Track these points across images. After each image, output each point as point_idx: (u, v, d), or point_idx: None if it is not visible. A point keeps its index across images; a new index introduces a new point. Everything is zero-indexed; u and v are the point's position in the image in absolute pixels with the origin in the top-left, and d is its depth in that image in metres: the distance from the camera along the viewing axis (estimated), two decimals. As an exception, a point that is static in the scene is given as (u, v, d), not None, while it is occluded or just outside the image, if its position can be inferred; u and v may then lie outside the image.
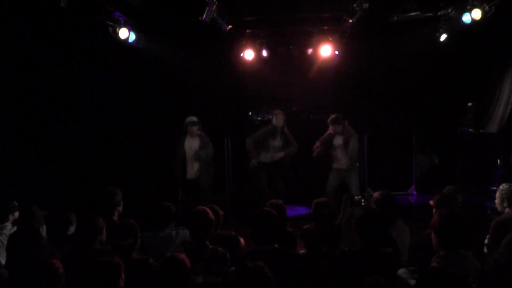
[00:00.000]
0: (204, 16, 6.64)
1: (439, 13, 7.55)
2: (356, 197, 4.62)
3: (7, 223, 4.71)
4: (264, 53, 8.61)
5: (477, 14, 6.76)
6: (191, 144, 7.45)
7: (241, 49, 8.66)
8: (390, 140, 9.44)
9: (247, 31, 8.45)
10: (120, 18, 7.13)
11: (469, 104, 8.73)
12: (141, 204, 7.32)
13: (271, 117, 7.98)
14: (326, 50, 8.43)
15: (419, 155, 9.82)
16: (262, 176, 7.89)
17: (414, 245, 4.34)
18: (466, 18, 6.91)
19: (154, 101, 9.23)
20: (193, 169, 7.50)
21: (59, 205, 4.75)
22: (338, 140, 7.48)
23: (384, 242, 3.59)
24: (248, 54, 8.64)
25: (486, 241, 4.45)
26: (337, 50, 8.54)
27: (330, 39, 8.38)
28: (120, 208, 4.87)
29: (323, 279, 4.23)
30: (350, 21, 7.10)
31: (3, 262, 4.41)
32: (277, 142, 7.81)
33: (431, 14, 7.61)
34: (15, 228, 4.58)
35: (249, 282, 2.67)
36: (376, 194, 4.68)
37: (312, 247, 4.49)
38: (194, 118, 7.43)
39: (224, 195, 9.26)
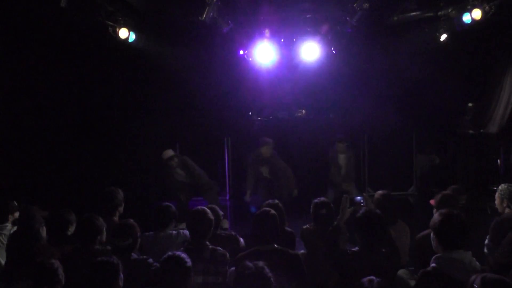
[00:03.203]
0: (204, 16, 6.64)
1: (439, 13, 7.55)
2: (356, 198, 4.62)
3: (7, 223, 4.72)
4: (264, 52, 8.60)
5: (477, 14, 6.76)
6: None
7: (241, 49, 8.65)
8: (390, 140, 9.44)
9: (247, 31, 8.45)
10: (120, 18, 7.13)
11: (470, 104, 8.71)
12: (141, 204, 7.34)
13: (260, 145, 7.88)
14: (326, 50, 8.43)
15: (419, 155, 9.81)
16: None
17: (414, 246, 4.34)
18: (466, 18, 6.91)
19: (154, 101, 9.23)
20: None
21: (59, 205, 4.75)
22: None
23: (384, 242, 3.59)
24: (248, 54, 8.63)
25: (486, 241, 4.45)
26: (334, 50, 8.54)
27: (330, 38, 8.38)
28: (121, 209, 4.87)
29: (323, 279, 4.24)
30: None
31: (3, 262, 4.42)
32: (264, 171, 7.84)
33: (431, 14, 7.61)
34: (15, 228, 4.58)
35: (249, 282, 2.67)
36: (376, 194, 4.68)
37: (312, 247, 4.50)
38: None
39: (224, 195, 9.28)
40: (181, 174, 7.44)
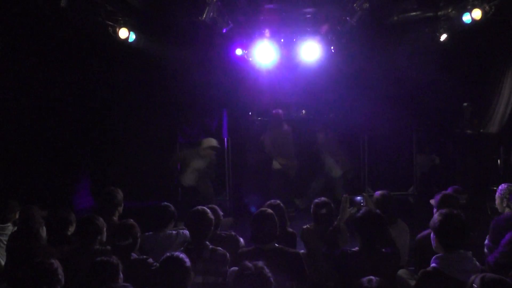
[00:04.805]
0: (204, 16, 6.64)
1: (439, 13, 7.55)
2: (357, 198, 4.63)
3: (8, 224, 4.72)
4: (264, 52, 8.60)
5: (477, 14, 6.76)
6: None
7: (241, 48, 8.65)
8: (390, 140, 9.44)
9: (247, 31, 8.45)
10: (120, 18, 7.13)
11: (465, 104, 8.71)
12: (141, 204, 7.32)
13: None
14: (325, 50, 8.44)
15: (419, 155, 9.82)
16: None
17: (414, 246, 4.34)
18: (466, 18, 6.90)
19: (154, 101, 9.23)
20: None
21: (59, 205, 4.75)
22: None
23: (384, 242, 3.59)
24: (248, 54, 8.64)
25: (486, 241, 4.45)
26: (334, 49, 8.54)
27: (330, 38, 8.38)
28: (121, 209, 4.87)
29: (323, 279, 4.24)
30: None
31: (3, 262, 4.42)
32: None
33: (431, 14, 7.61)
34: (16, 228, 4.58)
35: (248, 283, 2.67)
36: (376, 194, 4.68)
37: (312, 247, 4.50)
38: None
39: (224, 195, 9.28)
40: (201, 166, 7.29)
